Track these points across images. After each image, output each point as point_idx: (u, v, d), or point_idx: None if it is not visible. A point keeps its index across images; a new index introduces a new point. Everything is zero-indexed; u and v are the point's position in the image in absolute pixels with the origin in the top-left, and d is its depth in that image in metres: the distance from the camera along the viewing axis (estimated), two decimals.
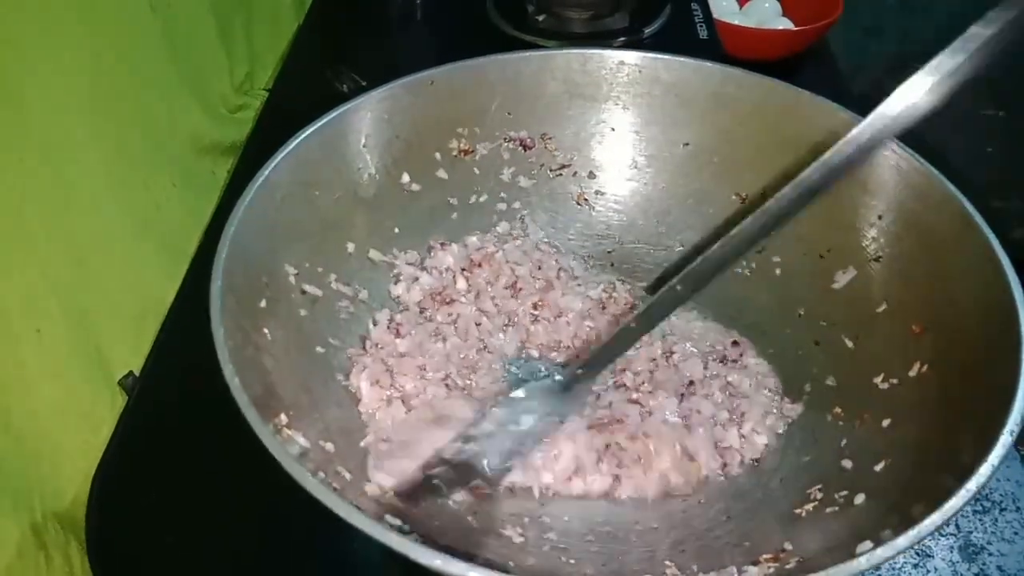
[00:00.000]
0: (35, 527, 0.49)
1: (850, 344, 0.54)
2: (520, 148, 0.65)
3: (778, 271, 0.60)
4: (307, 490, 0.36)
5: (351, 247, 0.58)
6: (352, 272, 0.58)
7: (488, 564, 0.35)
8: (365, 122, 0.58)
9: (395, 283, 0.61)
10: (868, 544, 0.36)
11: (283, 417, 0.42)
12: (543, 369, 0.58)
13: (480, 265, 0.62)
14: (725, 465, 0.52)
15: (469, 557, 0.39)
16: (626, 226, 0.66)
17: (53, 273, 0.52)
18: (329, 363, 0.53)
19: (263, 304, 0.48)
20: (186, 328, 0.63)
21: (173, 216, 0.67)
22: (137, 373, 0.60)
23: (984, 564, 0.51)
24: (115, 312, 0.59)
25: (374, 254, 0.60)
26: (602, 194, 0.66)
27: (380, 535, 0.35)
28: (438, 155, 0.63)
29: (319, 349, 0.53)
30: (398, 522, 0.42)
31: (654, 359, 0.58)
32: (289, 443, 0.42)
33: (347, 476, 0.44)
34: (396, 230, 0.61)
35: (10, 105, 0.49)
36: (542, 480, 0.50)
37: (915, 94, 0.36)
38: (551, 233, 0.67)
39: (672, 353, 0.59)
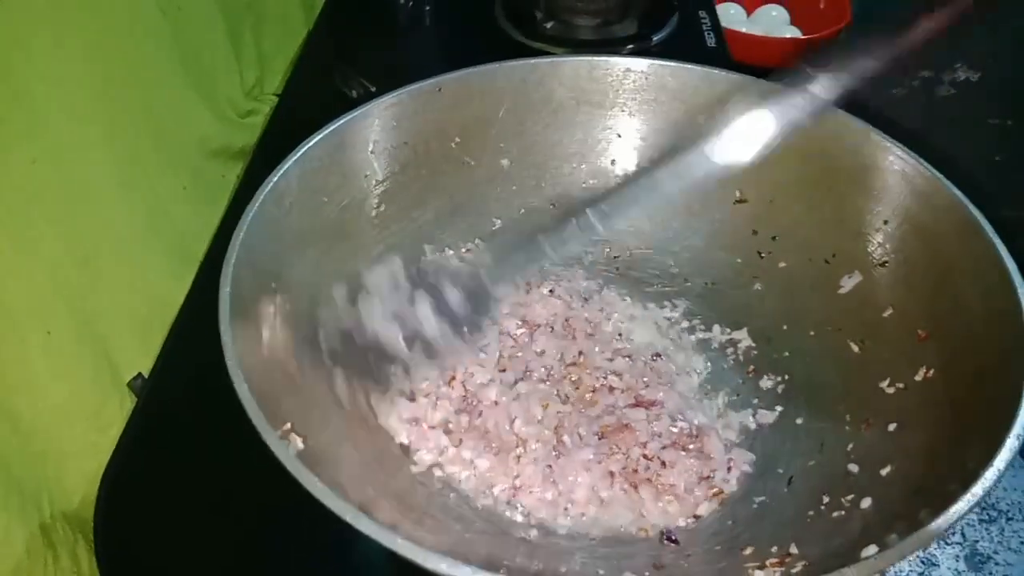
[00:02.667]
0: (43, 527, 0.50)
1: (856, 349, 0.54)
2: None
3: (784, 276, 0.60)
4: (314, 495, 0.36)
5: (358, 254, 0.59)
6: (359, 279, 0.58)
7: (494, 568, 0.35)
8: (373, 128, 0.58)
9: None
10: (874, 548, 0.37)
11: (290, 423, 0.43)
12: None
13: None
14: (738, 476, 0.52)
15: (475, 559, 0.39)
16: (632, 233, 0.66)
17: (62, 275, 0.53)
18: (336, 368, 0.53)
19: (271, 310, 0.49)
20: (194, 330, 0.63)
21: (182, 219, 0.68)
22: (146, 375, 0.61)
23: (990, 573, 0.51)
24: (124, 314, 0.59)
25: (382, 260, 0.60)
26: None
27: (387, 540, 0.35)
28: (446, 161, 0.63)
29: (326, 356, 0.53)
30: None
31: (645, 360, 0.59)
32: (295, 449, 0.42)
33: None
34: (400, 239, 0.61)
35: (21, 108, 0.50)
36: (558, 521, 0.50)
37: None
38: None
39: (659, 356, 0.60)
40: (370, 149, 0.59)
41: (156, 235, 0.64)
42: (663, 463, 0.52)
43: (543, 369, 0.58)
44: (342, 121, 0.56)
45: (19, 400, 0.49)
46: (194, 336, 0.62)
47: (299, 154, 0.53)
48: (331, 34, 0.96)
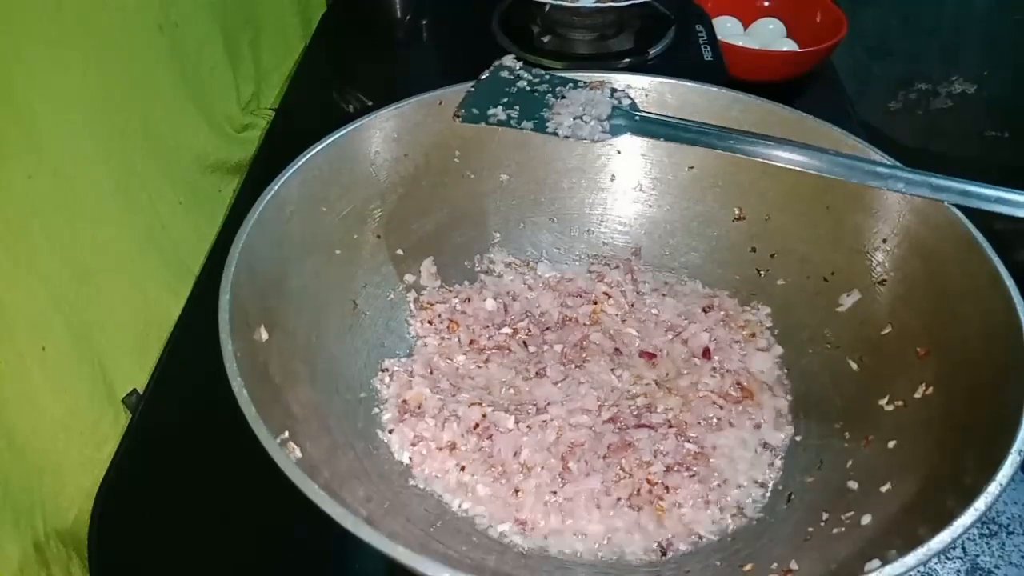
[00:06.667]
0: (37, 544, 0.49)
1: (855, 366, 0.54)
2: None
3: (782, 294, 0.60)
4: (315, 503, 0.36)
5: (358, 264, 0.59)
6: (358, 289, 0.58)
7: None
8: (374, 140, 0.58)
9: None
10: (876, 563, 0.36)
11: (288, 432, 0.42)
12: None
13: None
14: (744, 503, 0.51)
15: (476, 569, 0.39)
16: (630, 250, 0.66)
17: (58, 290, 0.53)
18: (335, 378, 0.53)
19: (270, 318, 0.48)
20: (190, 346, 0.63)
21: (179, 234, 0.68)
22: (141, 391, 0.60)
23: None
24: (120, 329, 0.59)
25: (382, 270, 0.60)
26: (607, 216, 0.67)
27: (388, 549, 0.35)
28: (445, 174, 0.63)
29: (326, 364, 0.53)
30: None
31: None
32: (294, 457, 0.41)
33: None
34: (399, 251, 0.62)
35: (19, 122, 0.50)
36: (572, 547, 0.49)
37: None
38: (555, 255, 0.67)
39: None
40: (371, 161, 0.59)
41: (153, 250, 0.64)
42: (667, 488, 0.51)
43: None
44: (344, 131, 0.56)
45: (15, 415, 0.49)
46: (189, 352, 0.62)
47: (301, 163, 0.53)
48: (328, 49, 0.97)
